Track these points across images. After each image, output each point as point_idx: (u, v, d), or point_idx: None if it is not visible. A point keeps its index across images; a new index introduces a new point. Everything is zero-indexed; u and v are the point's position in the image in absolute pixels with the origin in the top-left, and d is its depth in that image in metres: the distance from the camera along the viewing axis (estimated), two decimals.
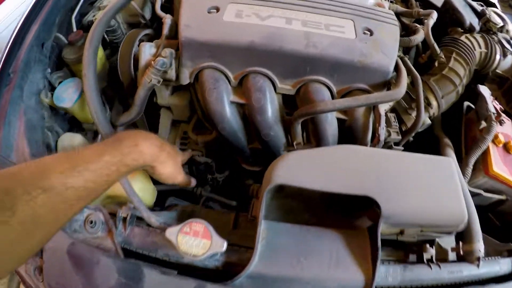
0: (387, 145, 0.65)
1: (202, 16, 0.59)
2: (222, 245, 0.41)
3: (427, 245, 0.52)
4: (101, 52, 0.67)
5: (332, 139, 0.60)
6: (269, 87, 0.60)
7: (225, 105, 0.60)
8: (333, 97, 0.60)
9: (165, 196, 0.69)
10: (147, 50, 0.61)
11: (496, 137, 0.69)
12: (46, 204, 0.34)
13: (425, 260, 0.50)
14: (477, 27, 0.81)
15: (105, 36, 0.72)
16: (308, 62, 0.57)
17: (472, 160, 0.65)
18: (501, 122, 0.72)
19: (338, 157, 0.49)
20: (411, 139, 0.67)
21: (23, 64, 0.61)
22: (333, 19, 0.62)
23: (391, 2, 0.88)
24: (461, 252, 0.51)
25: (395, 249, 0.54)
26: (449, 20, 0.82)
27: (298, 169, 0.46)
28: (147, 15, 0.77)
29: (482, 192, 0.69)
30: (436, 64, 0.69)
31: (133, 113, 0.61)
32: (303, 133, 0.64)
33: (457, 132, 0.75)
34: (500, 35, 0.94)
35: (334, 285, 0.42)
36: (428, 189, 0.48)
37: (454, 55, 0.70)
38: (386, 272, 0.46)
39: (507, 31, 0.99)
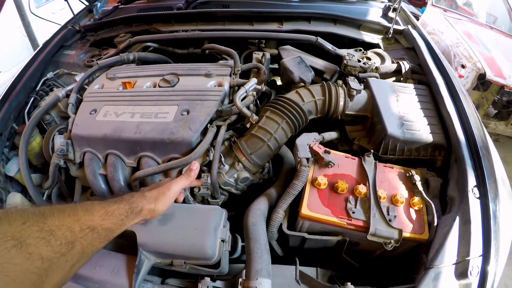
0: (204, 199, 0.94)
1: (85, 116, 1.06)
2: None
3: (205, 278, 0.76)
4: (39, 138, 1.20)
5: None
6: (119, 162, 0.99)
7: (96, 175, 1.02)
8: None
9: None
10: (57, 141, 1.10)
11: (315, 180, 0.88)
12: (89, 240, 0.53)
13: None
14: (308, 80, 1.04)
15: (45, 126, 1.24)
16: (136, 144, 0.96)
17: (282, 206, 0.86)
18: (327, 165, 0.91)
19: None
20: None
21: None
22: (163, 107, 1.01)
23: None
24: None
25: (188, 281, 0.80)
26: (286, 79, 1.08)
27: None
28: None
29: (304, 234, 0.87)
30: (249, 125, 0.96)
31: (49, 181, 1.09)
32: None
33: None
34: (362, 75, 1.13)
35: (110, 286, 0.72)
36: (184, 230, 0.76)
37: (267, 113, 0.96)
38: None
39: (377, 69, 1.17)
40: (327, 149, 0.93)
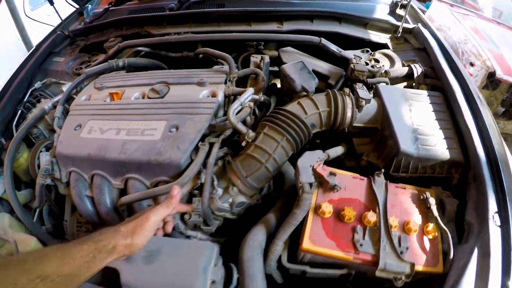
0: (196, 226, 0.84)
1: (70, 133, 0.95)
2: None
3: None
4: (26, 154, 1.09)
5: None
6: (106, 184, 0.89)
7: (82, 197, 0.92)
8: (148, 188, 0.84)
9: None
10: (43, 158, 1.00)
11: (319, 207, 0.76)
12: None
13: None
14: (312, 89, 0.91)
15: (33, 140, 1.14)
16: (122, 165, 0.85)
17: (282, 237, 0.74)
18: (333, 189, 0.79)
19: None
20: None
21: None
22: (151, 123, 0.89)
23: None
24: None
25: None
26: (287, 87, 0.94)
27: None
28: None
29: (306, 267, 0.76)
30: (244, 144, 0.83)
31: (36, 202, 1.00)
32: None
33: None
34: (371, 80, 0.99)
35: None
36: (171, 269, 0.66)
37: (265, 130, 0.84)
38: None
39: (387, 73, 1.02)
40: (333, 169, 0.80)
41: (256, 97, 0.91)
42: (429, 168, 0.89)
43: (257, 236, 0.75)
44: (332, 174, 0.78)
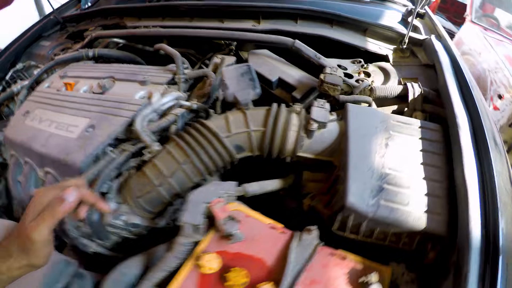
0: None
1: (18, 118, 0.95)
2: None
3: None
4: None
5: None
6: (33, 173, 0.85)
7: (15, 182, 0.90)
8: None
9: None
10: None
11: (198, 258, 0.57)
12: None
13: None
14: (245, 100, 0.71)
15: (4, 119, 1.17)
16: (42, 158, 0.80)
17: (150, 280, 0.56)
18: (229, 238, 0.59)
19: None
20: None
21: None
22: (77, 119, 0.82)
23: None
24: None
25: None
26: (223, 95, 0.76)
27: None
28: None
29: None
30: (146, 158, 0.68)
31: None
32: None
33: None
34: (344, 98, 0.75)
35: None
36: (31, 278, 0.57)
37: (170, 145, 0.67)
38: None
39: (372, 90, 0.76)
40: (243, 211, 0.61)
41: (187, 103, 0.75)
42: (391, 235, 0.61)
43: (127, 269, 0.61)
44: (232, 218, 0.58)
